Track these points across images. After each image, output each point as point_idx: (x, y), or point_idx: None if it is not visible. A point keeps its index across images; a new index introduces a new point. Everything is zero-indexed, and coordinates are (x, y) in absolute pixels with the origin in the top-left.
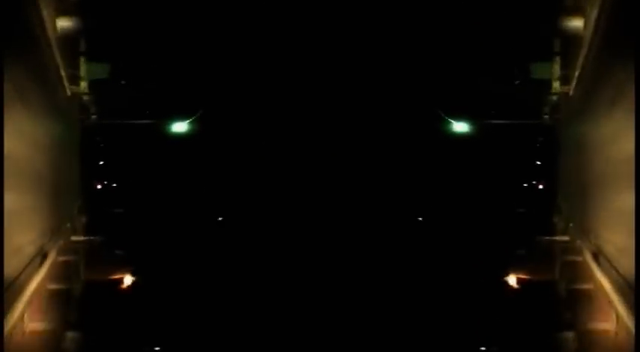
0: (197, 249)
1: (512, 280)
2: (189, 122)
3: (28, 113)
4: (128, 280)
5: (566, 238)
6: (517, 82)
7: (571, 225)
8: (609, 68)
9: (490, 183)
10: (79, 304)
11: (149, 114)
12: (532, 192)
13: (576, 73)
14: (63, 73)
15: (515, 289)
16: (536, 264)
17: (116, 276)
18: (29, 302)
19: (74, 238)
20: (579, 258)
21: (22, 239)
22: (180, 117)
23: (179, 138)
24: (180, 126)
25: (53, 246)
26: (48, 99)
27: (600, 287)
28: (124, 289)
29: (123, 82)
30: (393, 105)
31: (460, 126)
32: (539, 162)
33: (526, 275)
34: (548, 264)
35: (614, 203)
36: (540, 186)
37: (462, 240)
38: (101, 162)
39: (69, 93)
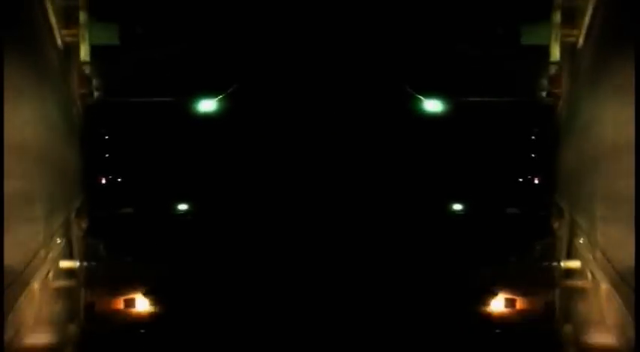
0: (227, 256)
1: (496, 305)
2: (220, 100)
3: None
4: (142, 304)
5: (574, 264)
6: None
7: (581, 240)
8: None
9: (472, 176)
10: None
11: (168, 91)
12: (526, 187)
13: (589, 8)
14: (53, 22)
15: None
16: (527, 297)
17: (127, 297)
18: None
19: (64, 264)
20: (615, 324)
21: None
22: (209, 93)
23: (206, 120)
24: (207, 105)
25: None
26: (29, 56)
27: None
28: (138, 315)
29: (135, 49)
30: (348, 77)
31: (432, 105)
32: (533, 151)
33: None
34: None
35: None
36: (536, 181)
37: (435, 248)
38: (107, 153)
39: (60, 43)
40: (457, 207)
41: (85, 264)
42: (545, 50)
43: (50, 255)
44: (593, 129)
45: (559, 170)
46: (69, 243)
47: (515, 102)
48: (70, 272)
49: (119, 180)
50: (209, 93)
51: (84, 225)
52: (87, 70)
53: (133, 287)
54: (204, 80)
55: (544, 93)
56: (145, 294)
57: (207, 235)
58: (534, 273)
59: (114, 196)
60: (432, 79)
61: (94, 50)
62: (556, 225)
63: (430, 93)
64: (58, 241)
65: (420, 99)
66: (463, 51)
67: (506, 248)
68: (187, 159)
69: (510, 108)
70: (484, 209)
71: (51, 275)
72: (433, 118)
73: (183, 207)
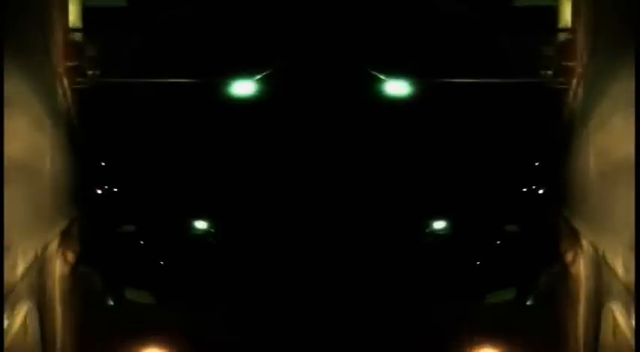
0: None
1: None
2: (260, 80)
3: None
4: None
5: None
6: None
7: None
8: None
9: (454, 185)
10: None
11: (192, 69)
12: (527, 199)
13: None
14: None
15: None
16: None
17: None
18: None
19: None
20: None
21: None
22: (246, 72)
23: (241, 107)
24: (244, 88)
25: None
26: None
27: None
28: None
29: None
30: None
31: (396, 88)
32: (535, 150)
33: None
34: None
35: None
36: (540, 191)
37: (405, 280)
38: (105, 155)
39: None
40: (436, 225)
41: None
42: (550, 12)
43: None
44: (627, 116)
45: (572, 177)
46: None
47: (509, 84)
48: None
49: (119, 189)
50: (246, 71)
51: (71, 256)
52: (78, 38)
53: (141, 337)
54: (240, 54)
55: (550, 72)
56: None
57: (236, 265)
58: (538, 319)
59: (112, 211)
60: (395, 51)
61: (90, 12)
62: (570, 253)
63: (393, 72)
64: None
65: (379, 80)
66: (440, 10)
67: (498, 281)
68: (214, 161)
69: (503, 92)
70: (470, 228)
71: None
72: (398, 106)
73: (202, 225)
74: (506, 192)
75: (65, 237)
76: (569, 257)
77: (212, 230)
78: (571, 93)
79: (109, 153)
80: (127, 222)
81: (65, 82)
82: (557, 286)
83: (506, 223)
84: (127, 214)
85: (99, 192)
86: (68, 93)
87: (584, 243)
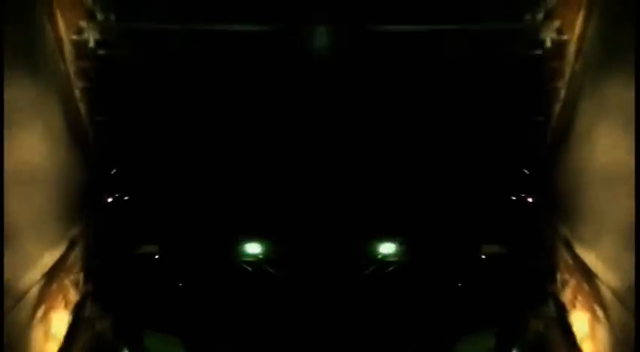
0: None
1: None
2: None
3: None
4: None
5: None
6: None
7: None
8: None
9: (406, 190)
10: None
11: (260, 12)
12: (511, 210)
13: None
14: None
15: None
16: None
17: None
18: None
19: None
20: None
21: None
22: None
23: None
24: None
25: None
26: None
27: None
28: None
29: None
30: None
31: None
32: (518, 138)
33: None
34: None
35: None
36: (529, 199)
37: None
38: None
39: None
40: (385, 248)
41: None
42: None
43: None
44: None
45: (573, 180)
46: None
47: (480, 32)
48: None
49: (135, 197)
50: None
51: (70, 295)
52: None
53: None
54: None
55: (540, 15)
56: None
57: (303, 308)
58: None
59: (126, 226)
60: None
61: None
62: (569, 293)
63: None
64: None
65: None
66: None
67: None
68: (277, 149)
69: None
70: (432, 250)
71: None
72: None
73: (255, 248)
74: (484, 202)
75: (61, 266)
76: (568, 294)
77: (268, 255)
78: (570, 51)
79: (121, 149)
80: (148, 241)
81: (63, 34)
82: (550, 334)
83: (485, 243)
84: (147, 229)
85: (109, 200)
86: (68, 47)
87: (598, 281)
